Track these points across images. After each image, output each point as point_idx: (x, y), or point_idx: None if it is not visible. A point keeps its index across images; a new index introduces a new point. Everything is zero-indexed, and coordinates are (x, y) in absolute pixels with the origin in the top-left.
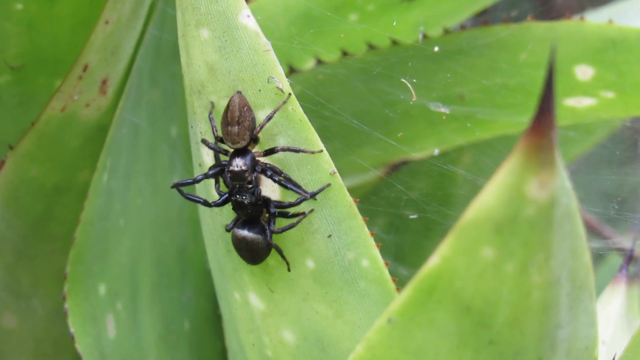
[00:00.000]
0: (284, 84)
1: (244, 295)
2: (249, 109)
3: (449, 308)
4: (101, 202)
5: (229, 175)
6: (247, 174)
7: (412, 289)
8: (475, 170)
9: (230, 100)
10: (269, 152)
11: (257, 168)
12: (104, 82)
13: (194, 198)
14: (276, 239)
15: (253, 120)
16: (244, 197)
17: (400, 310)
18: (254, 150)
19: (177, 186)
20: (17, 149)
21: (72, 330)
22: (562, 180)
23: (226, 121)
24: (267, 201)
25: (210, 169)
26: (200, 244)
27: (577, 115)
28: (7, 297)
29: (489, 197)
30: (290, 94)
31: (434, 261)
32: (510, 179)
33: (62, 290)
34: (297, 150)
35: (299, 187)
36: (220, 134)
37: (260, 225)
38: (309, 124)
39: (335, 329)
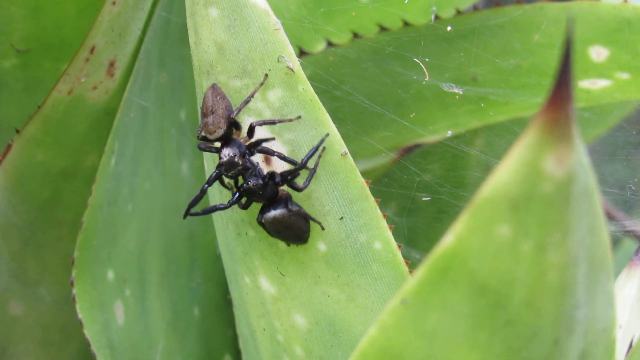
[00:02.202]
0: (294, 63)
1: (255, 279)
2: (223, 97)
3: (464, 288)
4: (109, 187)
5: (222, 168)
6: (237, 159)
7: (426, 269)
8: (489, 152)
9: (204, 93)
10: (250, 132)
11: (246, 152)
12: (112, 64)
13: (211, 209)
14: None
15: (228, 107)
16: (249, 183)
17: (414, 291)
18: (240, 138)
19: (189, 213)
20: (23, 133)
21: (80, 316)
22: (579, 156)
23: (202, 114)
24: (272, 175)
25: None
26: (209, 229)
27: (592, 97)
28: (14, 284)
29: (505, 173)
30: (266, 74)
31: (448, 240)
32: (527, 155)
33: (69, 277)
34: (273, 122)
35: (293, 160)
36: (202, 132)
37: (283, 201)
38: (320, 104)
39: (347, 312)
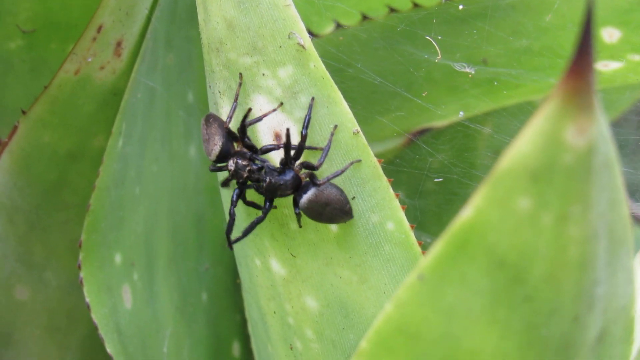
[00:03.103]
0: (306, 39)
1: (265, 261)
2: (215, 119)
3: (482, 263)
4: (116, 168)
5: (234, 179)
6: (242, 162)
7: (444, 244)
8: (502, 132)
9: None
10: (242, 134)
11: (249, 154)
12: (119, 44)
13: (250, 227)
14: None
15: (220, 124)
16: (269, 180)
17: (431, 267)
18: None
19: (232, 242)
20: (30, 115)
21: (87, 300)
22: (600, 127)
23: (204, 144)
24: (285, 163)
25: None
26: (218, 213)
27: (604, 79)
28: (20, 268)
29: (525, 144)
30: (240, 73)
31: (466, 213)
32: (547, 125)
33: (75, 261)
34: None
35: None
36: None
37: (309, 183)
38: (332, 81)
39: (359, 294)
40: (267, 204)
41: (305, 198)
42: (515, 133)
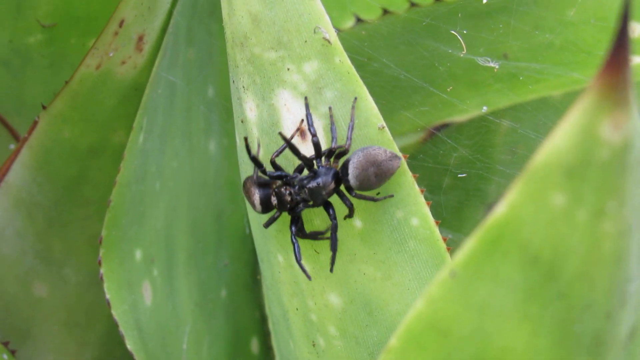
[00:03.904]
0: (331, 34)
1: (288, 257)
2: (247, 178)
3: (516, 259)
4: (137, 164)
5: (286, 205)
6: (285, 188)
7: (477, 240)
8: (526, 127)
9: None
10: (275, 168)
11: (287, 178)
12: (140, 38)
13: (335, 241)
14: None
15: (251, 179)
16: (310, 187)
17: (464, 263)
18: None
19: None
20: (50, 110)
21: (108, 296)
22: (636, 122)
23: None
24: (315, 161)
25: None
26: (237, 208)
27: None
28: (38, 265)
29: (560, 139)
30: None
31: (501, 209)
32: (583, 120)
33: (95, 257)
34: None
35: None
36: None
37: (340, 167)
38: (357, 76)
39: (383, 291)
40: (330, 210)
41: (352, 175)
42: (537, 128)
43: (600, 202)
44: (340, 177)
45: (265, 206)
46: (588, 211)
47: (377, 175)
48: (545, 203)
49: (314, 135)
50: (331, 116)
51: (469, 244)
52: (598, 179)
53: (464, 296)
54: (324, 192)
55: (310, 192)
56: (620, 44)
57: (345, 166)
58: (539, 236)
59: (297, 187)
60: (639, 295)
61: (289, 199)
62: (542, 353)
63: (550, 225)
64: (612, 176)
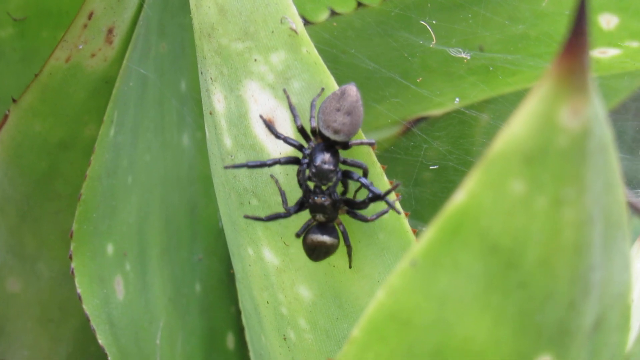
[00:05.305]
0: (298, 24)
1: (258, 251)
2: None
3: (475, 248)
4: (108, 158)
5: (313, 170)
6: (332, 174)
7: (436, 229)
8: (498, 119)
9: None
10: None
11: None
12: (110, 31)
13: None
14: None
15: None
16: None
17: (423, 252)
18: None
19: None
20: (20, 103)
21: (79, 291)
22: (595, 108)
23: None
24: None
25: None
26: (211, 203)
27: (602, 67)
28: (11, 260)
29: (518, 126)
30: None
31: (459, 197)
32: (541, 107)
33: (67, 252)
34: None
35: (372, 185)
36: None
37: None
38: (324, 66)
39: (353, 284)
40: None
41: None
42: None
43: (559, 189)
44: (329, 143)
45: (349, 133)
46: (547, 199)
47: (347, 113)
48: (504, 191)
49: (299, 126)
50: (288, 97)
51: (429, 233)
52: (557, 166)
53: (424, 286)
54: (327, 167)
55: (317, 171)
56: (578, 30)
57: (321, 133)
58: (498, 224)
59: (305, 171)
60: (604, 284)
61: (324, 170)
62: (504, 343)
63: (509, 213)
64: (572, 163)
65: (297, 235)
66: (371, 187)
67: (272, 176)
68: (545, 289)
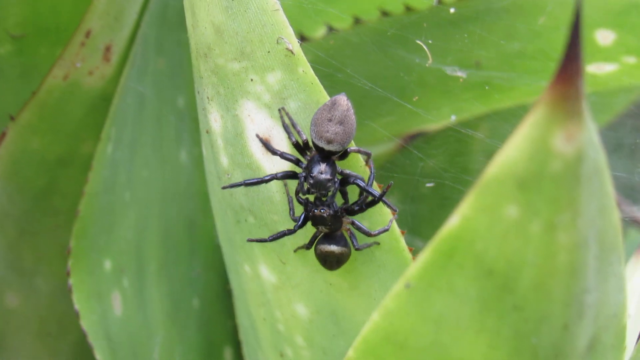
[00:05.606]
0: (294, 44)
1: (255, 268)
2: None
3: (470, 271)
4: (106, 174)
5: (311, 181)
6: (330, 183)
7: (431, 252)
8: (494, 137)
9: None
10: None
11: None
12: (108, 48)
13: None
14: None
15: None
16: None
17: (418, 275)
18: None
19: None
20: (18, 120)
21: (77, 307)
22: (589, 133)
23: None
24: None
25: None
26: (209, 218)
27: (598, 82)
28: (10, 275)
29: (513, 151)
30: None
31: (454, 221)
32: (535, 132)
33: (65, 267)
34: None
35: (370, 187)
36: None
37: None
38: (321, 86)
39: (349, 301)
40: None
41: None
42: (507, 137)
43: (554, 214)
44: (324, 154)
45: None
46: (542, 223)
47: (340, 122)
48: (498, 215)
49: (294, 142)
50: (281, 117)
51: (423, 256)
52: (551, 190)
53: (419, 308)
54: (324, 177)
55: (315, 182)
56: (572, 54)
57: (315, 144)
58: (493, 248)
59: (307, 183)
60: (598, 306)
61: (320, 180)
62: None
63: (503, 237)
64: (566, 188)
65: (307, 248)
66: (369, 189)
67: (284, 183)
68: (540, 312)
